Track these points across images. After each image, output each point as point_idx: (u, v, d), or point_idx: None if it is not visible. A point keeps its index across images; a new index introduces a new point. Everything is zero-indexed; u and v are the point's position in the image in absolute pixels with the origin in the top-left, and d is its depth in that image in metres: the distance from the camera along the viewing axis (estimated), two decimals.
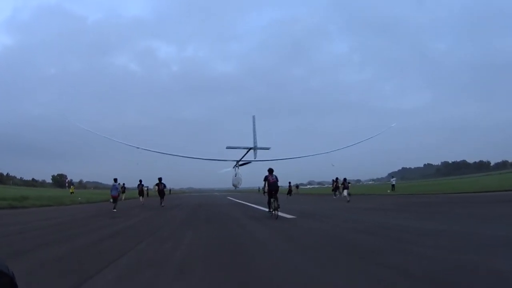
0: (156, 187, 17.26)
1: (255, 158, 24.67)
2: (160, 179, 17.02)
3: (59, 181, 76.94)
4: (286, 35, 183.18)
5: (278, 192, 10.65)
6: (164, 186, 17.56)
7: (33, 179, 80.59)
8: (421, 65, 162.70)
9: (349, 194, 18.63)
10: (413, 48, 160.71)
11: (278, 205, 10.18)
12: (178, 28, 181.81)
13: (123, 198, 23.84)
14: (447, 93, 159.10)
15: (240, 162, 24.52)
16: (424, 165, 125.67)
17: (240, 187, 23.78)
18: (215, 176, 27.97)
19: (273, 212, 10.26)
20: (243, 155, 24.16)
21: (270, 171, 10.69)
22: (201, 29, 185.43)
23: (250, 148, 24.07)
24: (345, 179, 22.61)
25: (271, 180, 10.55)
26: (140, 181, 22.03)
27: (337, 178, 24.19)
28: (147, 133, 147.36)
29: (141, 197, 21.41)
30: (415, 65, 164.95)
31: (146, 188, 32.97)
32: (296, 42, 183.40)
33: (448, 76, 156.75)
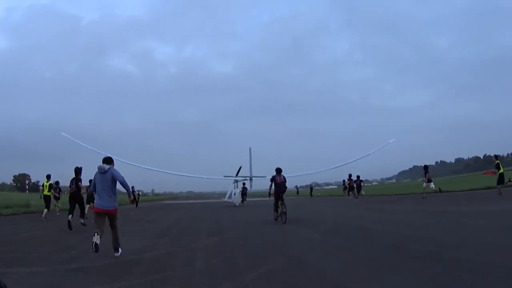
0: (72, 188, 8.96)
1: (251, 188, 26.15)
2: (77, 171, 8.72)
3: (21, 182, 60.68)
4: (286, 32, 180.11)
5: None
6: (80, 184, 8.97)
7: None
8: (423, 62, 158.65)
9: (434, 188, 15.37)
10: (415, 45, 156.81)
11: (285, 209, 9.26)
12: (176, 27, 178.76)
13: (55, 209, 15.05)
14: (451, 90, 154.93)
15: (240, 178, 26.33)
16: (436, 162, 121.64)
17: (238, 204, 24.11)
18: (220, 179, 28.41)
19: (280, 217, 9.36)
20: (241, 178, 26.21)
21: (278, 170, 9.79)
22: (200, 27, 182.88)
23: (247, 177, 25.85)
24: (358, 176, 20.77)
25: (278, 181, 9.65)
26: (90, 181, 10.25)
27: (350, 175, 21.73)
28: (145, 136, 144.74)
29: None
30: (417, 62, 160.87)
31: (137, 193, 26.82)
32: (296, 40, 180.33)
33: (452, 72, 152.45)
